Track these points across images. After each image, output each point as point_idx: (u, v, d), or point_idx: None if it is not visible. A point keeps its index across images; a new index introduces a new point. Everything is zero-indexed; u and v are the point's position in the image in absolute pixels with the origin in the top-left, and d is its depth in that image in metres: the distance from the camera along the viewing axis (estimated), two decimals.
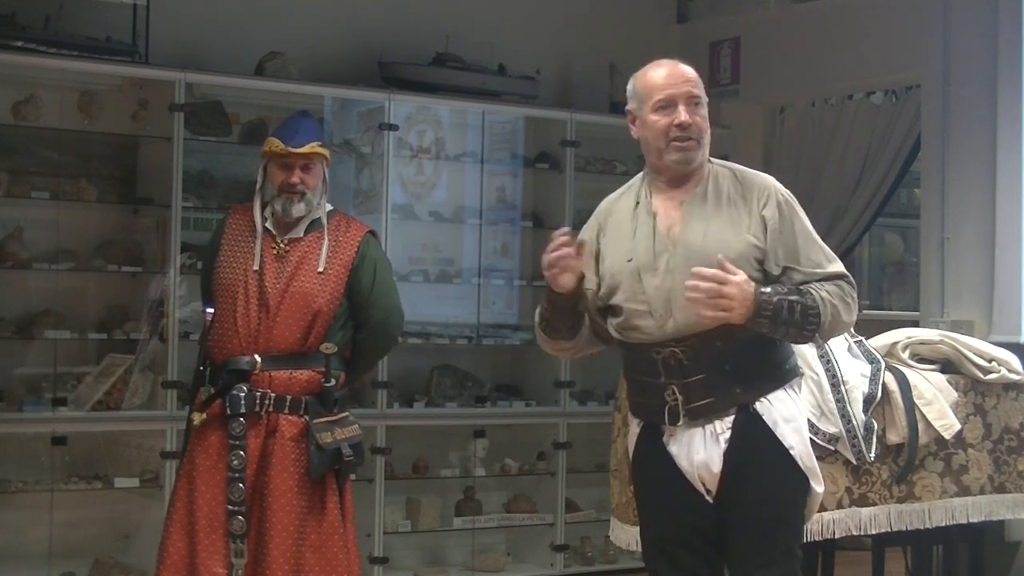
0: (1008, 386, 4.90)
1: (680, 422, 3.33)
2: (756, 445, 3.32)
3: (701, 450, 3.32)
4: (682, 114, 3.33)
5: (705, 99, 3.40)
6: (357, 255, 4.21)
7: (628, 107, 3.45)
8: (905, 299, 7.49)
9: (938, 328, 5.35)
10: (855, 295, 3.36)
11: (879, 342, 4.80)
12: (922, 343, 4.87)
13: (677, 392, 3.32)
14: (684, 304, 3.24)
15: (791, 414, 3.36)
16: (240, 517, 4.03)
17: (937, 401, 4.63)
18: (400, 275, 6.47)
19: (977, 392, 4.83)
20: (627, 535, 4.53)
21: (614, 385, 4.71)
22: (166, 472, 5.62)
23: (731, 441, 3.31)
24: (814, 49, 6.77)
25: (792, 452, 3.34)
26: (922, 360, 4.82)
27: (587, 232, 3.52)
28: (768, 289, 3.23)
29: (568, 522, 6.77)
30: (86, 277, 5.97)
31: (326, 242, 4.18)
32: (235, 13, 6.41)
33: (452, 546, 6.74)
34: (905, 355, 4.79)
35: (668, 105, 3.34)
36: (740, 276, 3.19)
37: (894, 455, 4.57)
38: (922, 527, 4.68)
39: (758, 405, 3.33)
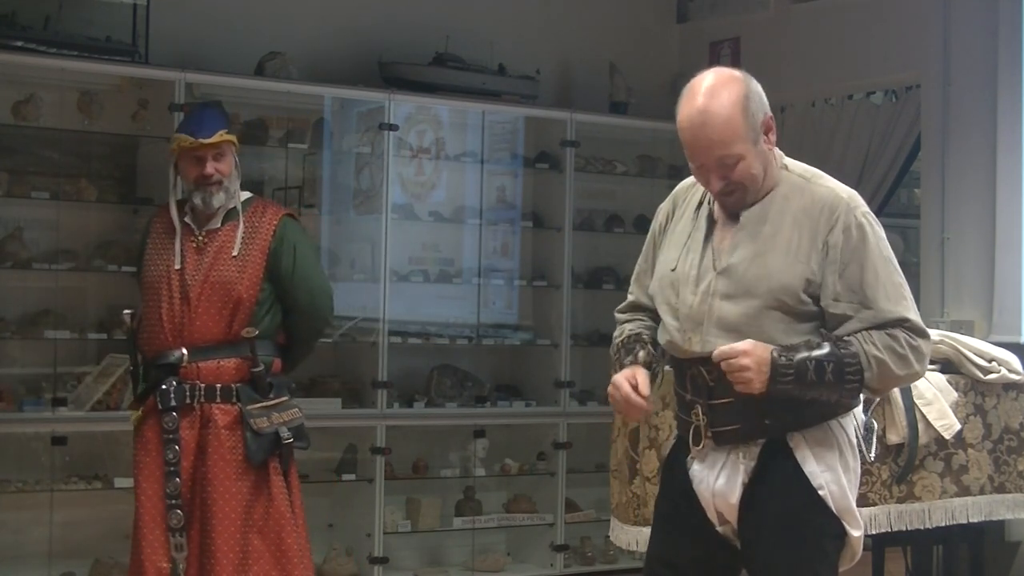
0: (1008, 386, 4.89)
1: (702, 445, 3.11)
2: (780, 481, 3.06)
3: (722, 477, 3.10)
4: (712, 183, 3.05)
5: (750, 139, 3.02)
6: (274, 238, 4.22)
7: None
8: None
9: (938, 328, 5.34)
10: (917, 344, 2.99)
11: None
12: None
13: (702, 412, 3.10)
14: (713, 329, 3.05)
15: (828, 450, 3.07)
16: (178, 511, 4.07)
17: (937, 401, 4.63)
18: (400, 275, 6.49)
19: (977, 392, 4.83)
20: (627, 535, 4.53)
21: None
22: None
23: (754, 472, 3.07)
24: (814, 49, 6.77)
25: (821, 492, 3.05)
26: None
27: (662, 212, 3.32)
28: (787, 349, 2.95)
29: (568, 522, 6.77)
30: (86, 277, 5.97)
31: (241, 228, 4.19)
32: (235, 13, 6.41)
33: (452, 546, 6.74)
34: None
35: (700, 171, 3.08)
36: (745, 345, 2.95)
37: (894, 455, 4.57)
38: (922, 527, 4.67)
39: (789, 438, 3.06)
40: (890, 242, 3.15)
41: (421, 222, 6.72)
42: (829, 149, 6.77)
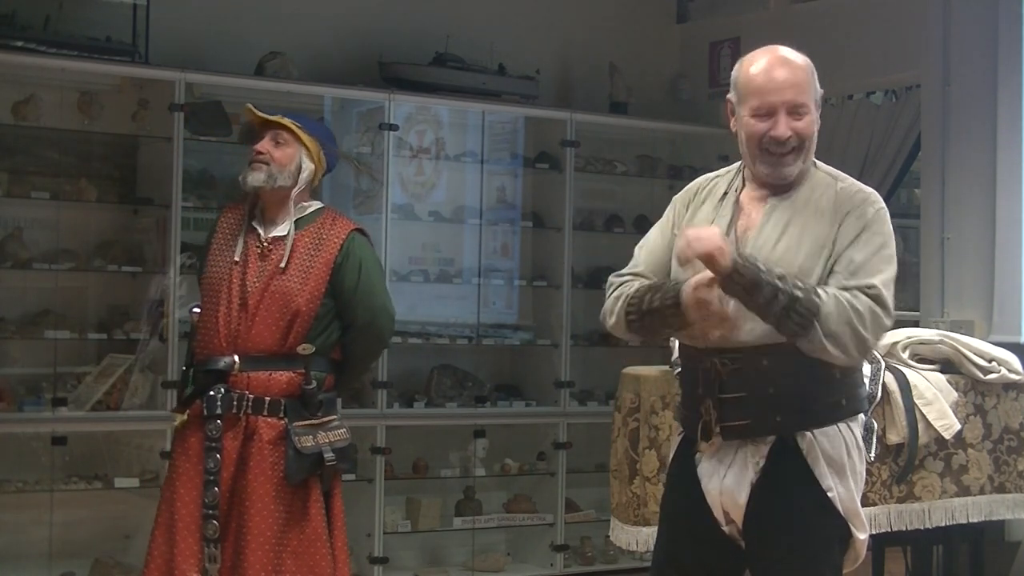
0: (1008, 386, 4.89)
1: (711, 440, 3.10)
2: (789, 481, 3.06)
3: (730, 476, 3.09)
4: (780, 126, 3.07)
5: (814, 101, 3.12)
6: (340, 253, 4.09)
7: (728, 96, 3.19)
8: (905, 299, 7.50)
9: (938, 328, 5.35)
10: (877, 316, 3.00)
11: (879, 342, 4.80)
12: (922, 343, 4.87)
13: (712, 408, 3.08)
14: (735, 316, 3.02)
15: (837, 452, 3.08)
16: (214, 521, 3.94)
17: (937, 401, 4.63)
18: (400, 275, 6.49)
19: (977, 392, 4.83)
20: (627, 535, 4.53)
21: (614, 385, 4.70)
22: (165, 472, 5.61)
23: (763, 472, 3.07)
24: (814, 49, 6.72)
25: (830, 494, 3.06)
26: (922, 360, 4.82)
27: (679, 201, 3.30)
28: (756, 263, 2.95)
29: (568, 522, 6.77)
30: (86, 277, 5.97)
31: (290, 238, 4.07)
32: (235, 13, 6.41)
33: (452, 546, 6.75)
34: (905, 355, 4.79)
35: (767, 113, 3.09)
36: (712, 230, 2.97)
37: (894, 455, 4.57)
38: (922, 527, 4.68)
39: (799, 438, 3.06)
40: None
41: (421, 222, 6.72)
42: (829, 149, 6.73)
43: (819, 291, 2.99)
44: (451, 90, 6.62)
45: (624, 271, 3.29)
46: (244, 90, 6.14)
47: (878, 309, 3.01)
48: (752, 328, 3.05)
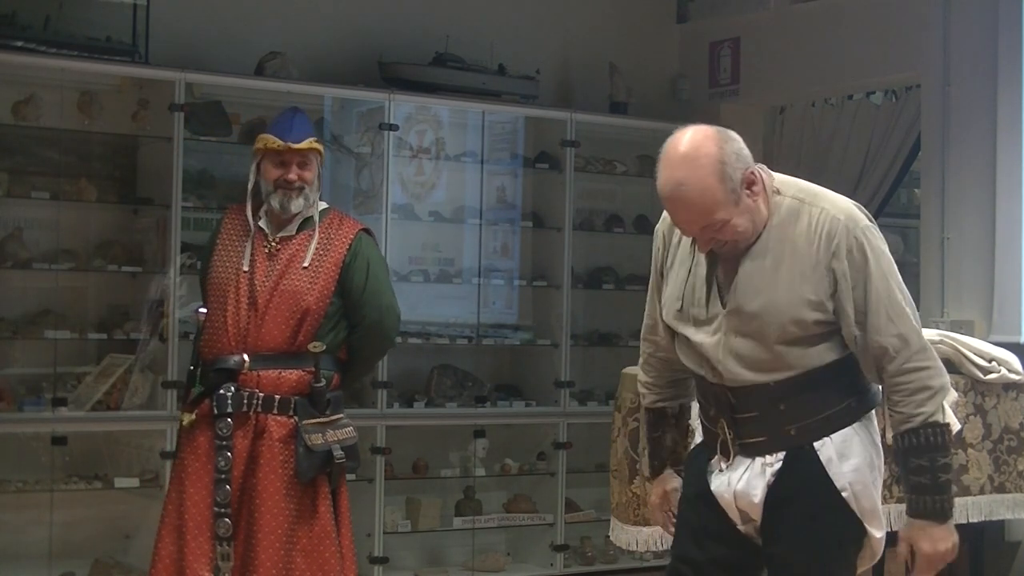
0: (1008, 386, 4.89)
1: (731, 459, 3.13)
2: (805, 481, 3.07)
3: (745, 480, 3.11)
4: (702, 244, 3.04)
5: (724, 212, 2.95)
6: (349, 252, 4.15)
7: None
8: None
9: (938, 328, 5.34)
10: (933, 363, 3.02)
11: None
12: None
13: (727, 427, 3.12)
14: (731, 360, 3.05)
15: (851, 451, 3.09)
16: (226, 519, 3.97)
17: None
18: (400, 275, 6.49)
19: (977, 392, 4.83)
20: (627, 535, 4.53)
21: (614, 385, 4.71)
22: (166, 472, 5.60)
23: (778, 474, 3.08)
24: (814, 49, 6.77)
25: (844, 494, 3.06)
26: None
27: (659, 236, 3.27)
28: (941, 497, 3.05)
29: (568, 522, 6.77)
30: (86, 277, 5.97)
31: (316, 238, 4.13)
32: (235, 13, 6.41)
33: (452, 546, 6.74)
34: None
35: (686, 234, 3.10)
36: (927, 550, 3.05)
37: (894, 455, 4.56)
38: None
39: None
40: (890, 243, 3.14)
41: (421, 222, 6.72)
42: (829, 149, 6.78)
43: (919, 430, 3.04)
44: (451, 90, 6.62)
45: (644, 328, 3.37)
46: (244, 90, 6.15)
47: (928, 361, 3.03)
48: (754, 370, 3.06)
